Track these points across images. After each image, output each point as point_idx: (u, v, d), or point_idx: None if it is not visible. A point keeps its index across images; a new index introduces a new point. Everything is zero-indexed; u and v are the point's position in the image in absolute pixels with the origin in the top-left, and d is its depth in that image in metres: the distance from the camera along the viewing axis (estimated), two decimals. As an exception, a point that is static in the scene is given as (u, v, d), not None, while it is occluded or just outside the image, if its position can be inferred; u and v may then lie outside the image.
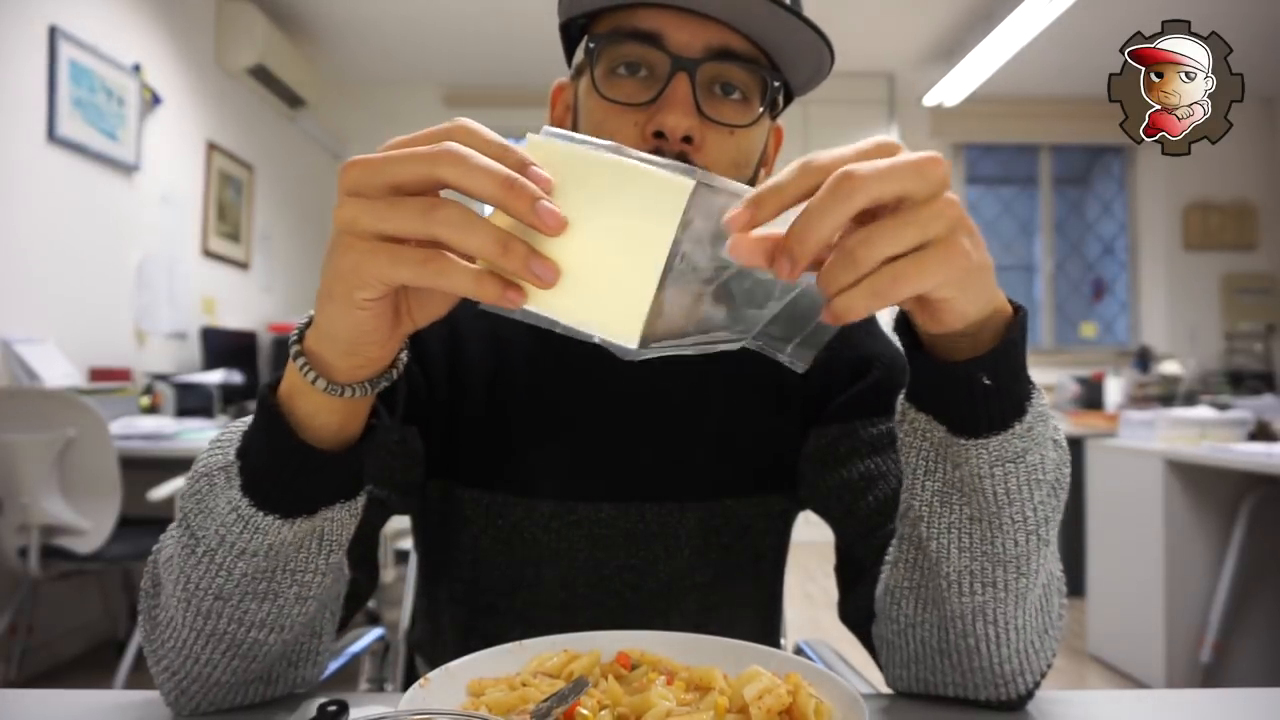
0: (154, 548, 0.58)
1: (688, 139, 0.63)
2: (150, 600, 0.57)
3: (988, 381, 0.48)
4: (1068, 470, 0.53)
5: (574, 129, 0.71)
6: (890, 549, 0.61)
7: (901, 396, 0.54)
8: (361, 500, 0.54)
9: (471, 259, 0.41)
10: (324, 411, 0.48)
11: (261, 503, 0.49)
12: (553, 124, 0.77)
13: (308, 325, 0.48)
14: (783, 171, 0.41)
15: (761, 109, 0.67)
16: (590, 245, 0.39)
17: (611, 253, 0.39)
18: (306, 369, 0.47)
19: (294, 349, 0.48)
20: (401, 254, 0.40)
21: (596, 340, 0.40)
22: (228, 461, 0.51)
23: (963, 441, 0.50)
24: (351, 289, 0.42)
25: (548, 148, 0.41)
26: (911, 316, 0.48)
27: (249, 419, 0.52)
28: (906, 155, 0.41)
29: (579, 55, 0.70)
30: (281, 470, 0.49)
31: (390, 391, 0.52)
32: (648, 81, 0.65)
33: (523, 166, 0.40)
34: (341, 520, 0.52)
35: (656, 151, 0.64)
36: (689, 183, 0.38)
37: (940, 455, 0.52)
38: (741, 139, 0.67)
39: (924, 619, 0.58)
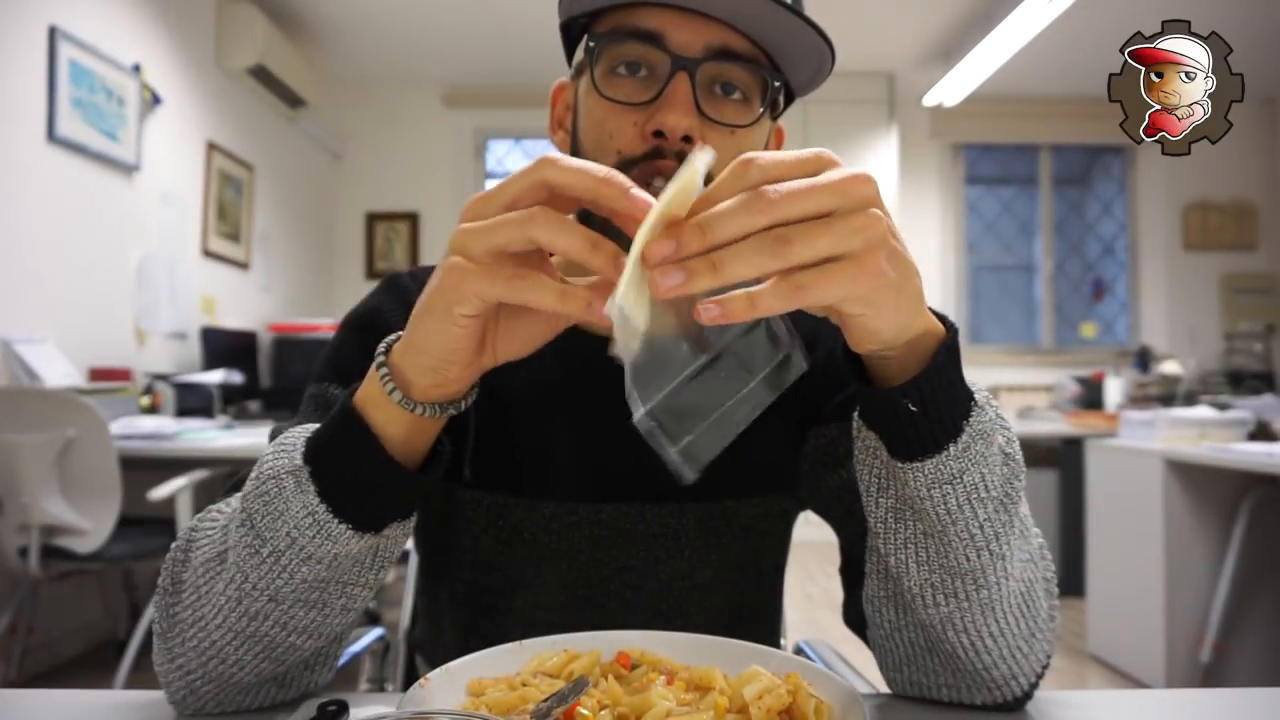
0: (174, 545, 0.58)
1: (688, 139, 0.63)
2: (169, 598, 0.57)
3: (913, 408, 0.48)
4: (1019, 483, 0.53)
5: (574, 128, 0.72)
6: (865, 558, 0.61)
7: (856, 414, 0.54)
8: (413, 521, 0.55)
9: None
10: (394, 424, 0.50)
11: (338, 510, 0.51)
12: (553, 123, 0.77)
13: (396, 340, 0.51)
14: (725, 174, 0.42)
15: (762, 109, 0.67)
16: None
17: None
18: (387, 379, 0.49)
19: (379, 358, 0.50)
20: (498, 271, 0.44)
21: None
22: (295, 465, 0.52)
23: (899, 465, 0.50)
24: (451, 304, 0.45)
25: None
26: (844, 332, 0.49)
27: (309, 426, 0.54)
28: (834, 173, 0.42)
29: (579, 54, 0.70)
30: (362, 478, 0.51)
31: (457, 435, 0.53)
32: (648, 81, 0.65)
33: (627, 185, 0.43)
34: (397, 539, 0.55)
35: (656, 151, 0.64)
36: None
37: (889, 474, 0.53)
38: (743, 139, 0.67)
39: (906, 622, 0.58)
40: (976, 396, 0.51)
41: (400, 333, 0.51)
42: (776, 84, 0.67)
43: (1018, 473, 0.53)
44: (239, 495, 0.56)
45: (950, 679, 0.58)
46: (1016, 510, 0.53)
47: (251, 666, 0.55)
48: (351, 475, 0.51)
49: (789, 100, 0.73)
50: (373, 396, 0.50)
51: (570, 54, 0.74)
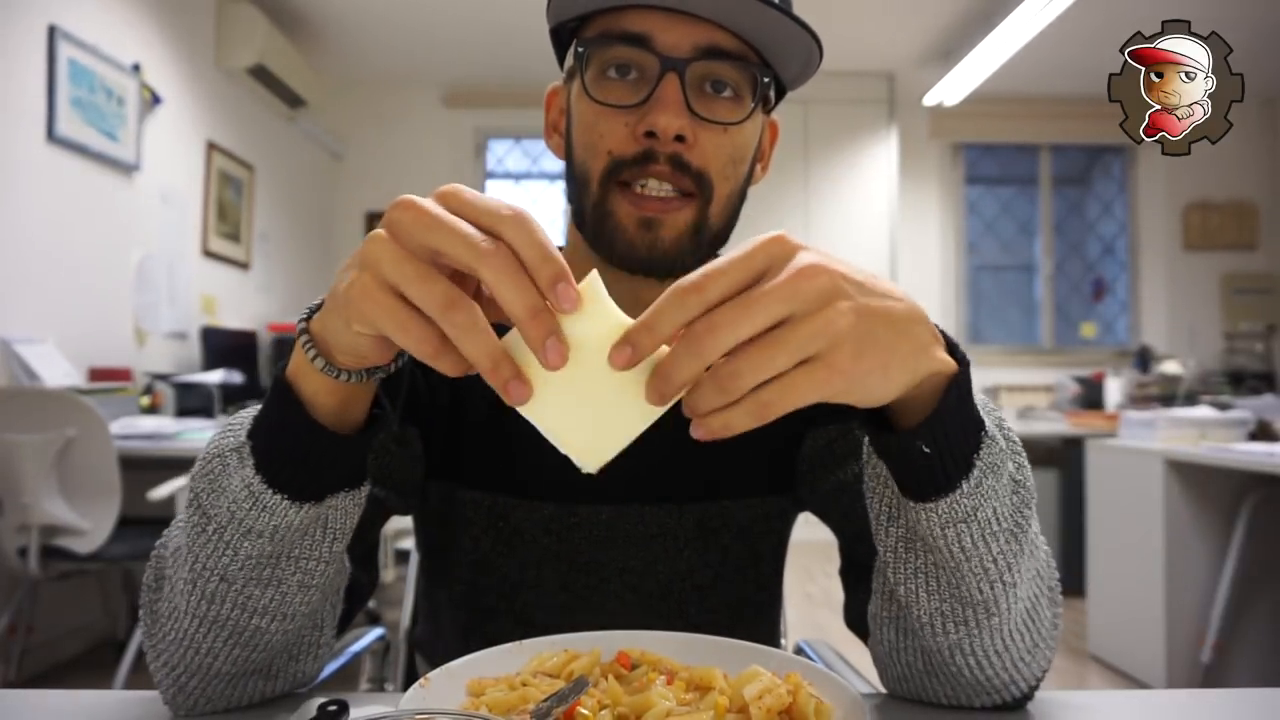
0: (158, 543, 0.59)
1: (680, 138, 0.63)
2: (152, 594, 0.57)
3: (926, 450, 0.47)
4: (1030, 510, 0.52)
5: (568, 132, 0.72)
6: (874, 578, 0.60)
7: (866, 440, 0.53)
8: (365, 491, 0.54)
9: None
10: (324, 393, 0.50)
11: (272, 480, 0.50)
12: (548, 126, 0.77)
13: (319, 308, 0.49)
14: (657, 303, 0.41)
15: (753, 105, 0.67)
16: (586, 384, 0.42)
17: (604, 398, 0.43)
18: (309, 346, 0.48)
19: (300, 326, 0.49)
20: (408, 325, 0.41)
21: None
22: (240, 443, 0.52)
23: (911, 504, 0.50)
24: (350, 319, 0.44)
25: (596, 296, 0.42)
26: None
27: (259, 406, 0.53)
28: (780, 277, 0.40)
29: (569, 59, 0.71)
30: (292, 448, 0.50)
31: (393, 387, 0.52)
32: (638, 83, 0.65)
33: (556, 280, 0.40)
34: (345, 509, 0.53)
35: (648, 152, 0.64)
36: (658, 411, 0.43)
37: (899, 505, 0.52)
38: (735, 135, 0.67)
39: (906, 645, 0.58)
40: (986, 426, 0.50)
41: (323, 297, 0.49)
42: (766, 80, 0.67)
43: (1028, 500, 0.52)
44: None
45: (950, 690, 0.58)
46: (1026, 535, 0.52)
47: (225, 654, 0.54)
48: (283, 445, 0.50)
49: (781, 94, 0.73)
50: (301, 366, 0.49)
51: (561, 59, 0.74)
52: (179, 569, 0.54)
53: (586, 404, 0.43)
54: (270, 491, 0.50)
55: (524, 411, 0.43)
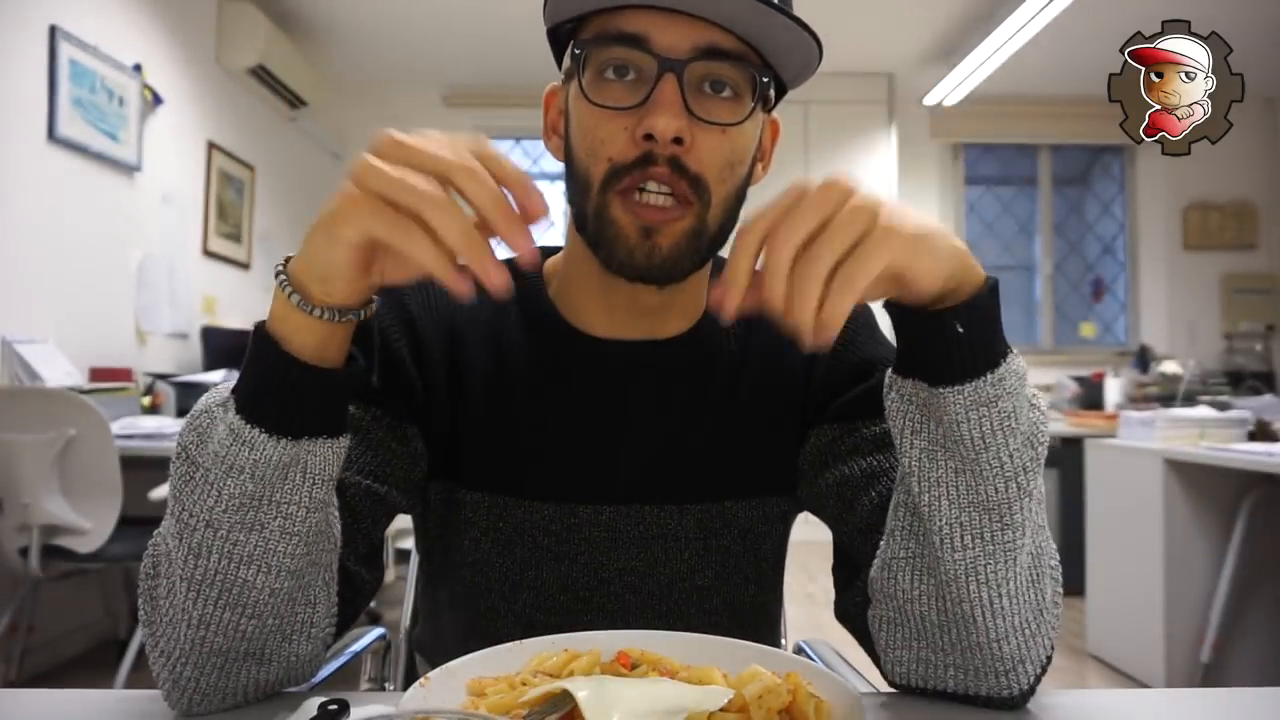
0: (155, 533, 0.59)
1: (678, 140, 0.63)
2: (150, 581, 0.58)
3: (960, 329, 0.53)
4: (1044, 431, 0.56)
5: (566, 133, 0.71)
6: (887, 518, 0.61)
7: (889, 371, 0.58)
8: (345, 442, 0.56)
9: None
10: (301, 331, 0.53)
11: (250, 416, 0.53)
12: (547, 127, 0.77)
13: (285, 264, 0.54)
14: (733, 247, 0.50)
15: (753, 105, 0.67)
16: None
17: None
18: (285, 282, 0.52)
19: (278, 266, 0.53)
20: (384, 212, 0.47)
21: None
22: (224, 398, 0.55)
23: (941, 390, 0.53)
24: (335, 227, 0.49)
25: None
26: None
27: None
28: (810, 191, 0.49)
29: (567, 60, 0.70)
30: (268, 381, 0.53)
31: (368, 353, 0.58)
32: (636, 84, 0.65)
33: (526, 190, 0.49)
34: (325, 457, 0.55)
35: (647, 156, 0.64)
36: None
37: (924, 413, 0.56)
38: (735, 136, 0.66)
39: (921, 591, 0.58)
40: (1012, 351, 0.55)
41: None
42: (765, 80, 0.66)
43: (1041, 422, 0.56)
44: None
45: (959, 659, 0.57)
46: (1040, 455, 0.56)
47: (216, 622, 0.54)
48: (260, 382, 0.53)
49: (781, 93, 0.73)
50: (279, 309, 0.53)
51: (560, 59, 0.74)
52: (169, 536, 0.56)
53: None
54: (249, 427, 0.52)
55: None
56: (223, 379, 3.32)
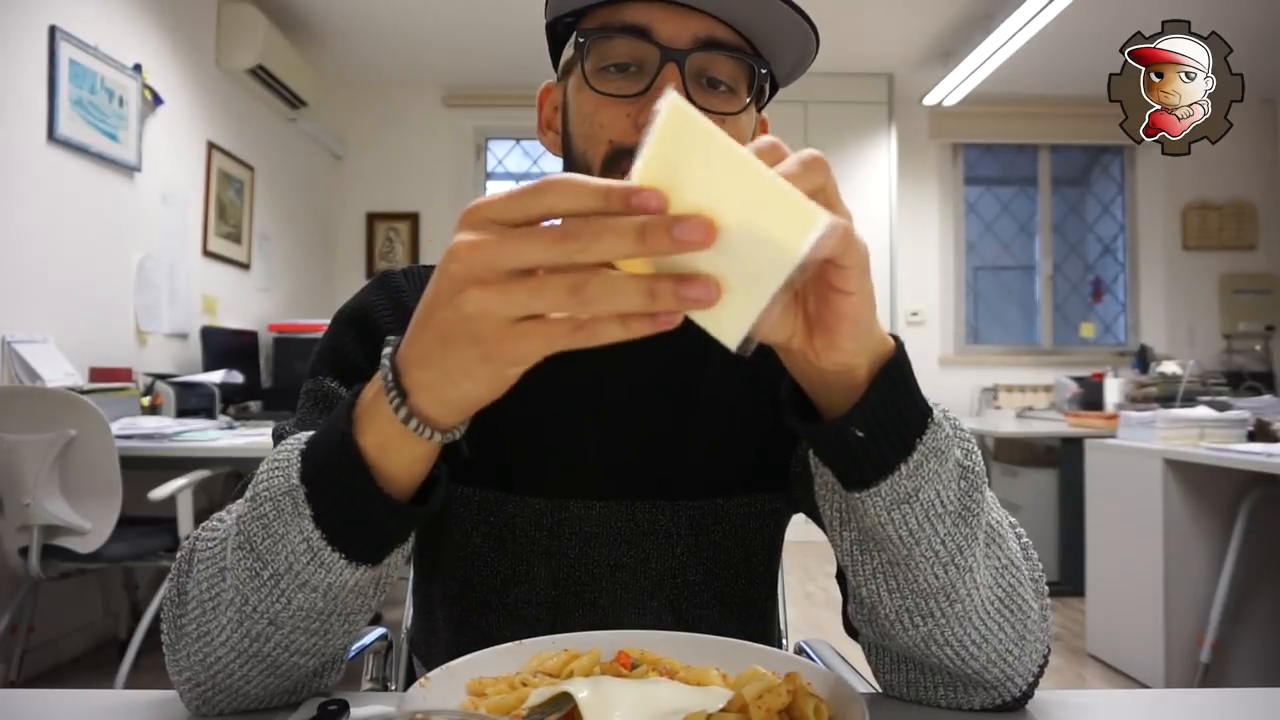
0: (178, 555, 0.58)
1: None
2: (175, 609, 0.56)
3: (860, 434, 0.48)
4: (980, 494, 0.52)
5: (564, 128, 0.72)
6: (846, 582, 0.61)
7: (810, 452, 0.54)
8: (411, 542, 0.54)
9: None
10: (405, 454, 0.48)
11: (333, 538, 0.49)
12: (542, 125, 0.77)
13: (398, 382, 0.46)
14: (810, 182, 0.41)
15: (749, 97, 0.68)
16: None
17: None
18: (399, 404, 0.45)
19: (395, 402, 0.46)
20: (554, 331, 0.39)
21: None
22: (291, 485, 0.50)
23: (856, 495, 0.50)
24: (505, 366, 0.42)
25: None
26: (785, 359, 0.49)
27: (302, 436, 0.52)
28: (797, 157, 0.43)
29: (568, 51, 0.72)
30: (358, 514, 0.49)
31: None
32: (638, 76, 0.67)
33: (627, 199, 0.37)
34: (397, 564, 0.53)
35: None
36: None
37: (848, 509, 0.53)
38: (731, 128, 0.68)
39: (888, 644, 0.58)
40: (934, 413, 0.50)
41: (397, 354, 0.46)
42: (763, 71, 0.68)
43: (977, 484, 0.52)
44: (240, 502, 0.55)
45: (946, 681, 0.58)
46: (979, 522, 0.53)
47: (259, 681, 0.55)
48: (347, 509, 0.49)
49: (773, 90, 0.75)
50: (382, 436, 0.47)
51: (555, 55, 0.75)
52: (219, 600, 0.53)
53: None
54: (329, 549, 0.49)
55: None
56: (222, 379, 3.32)
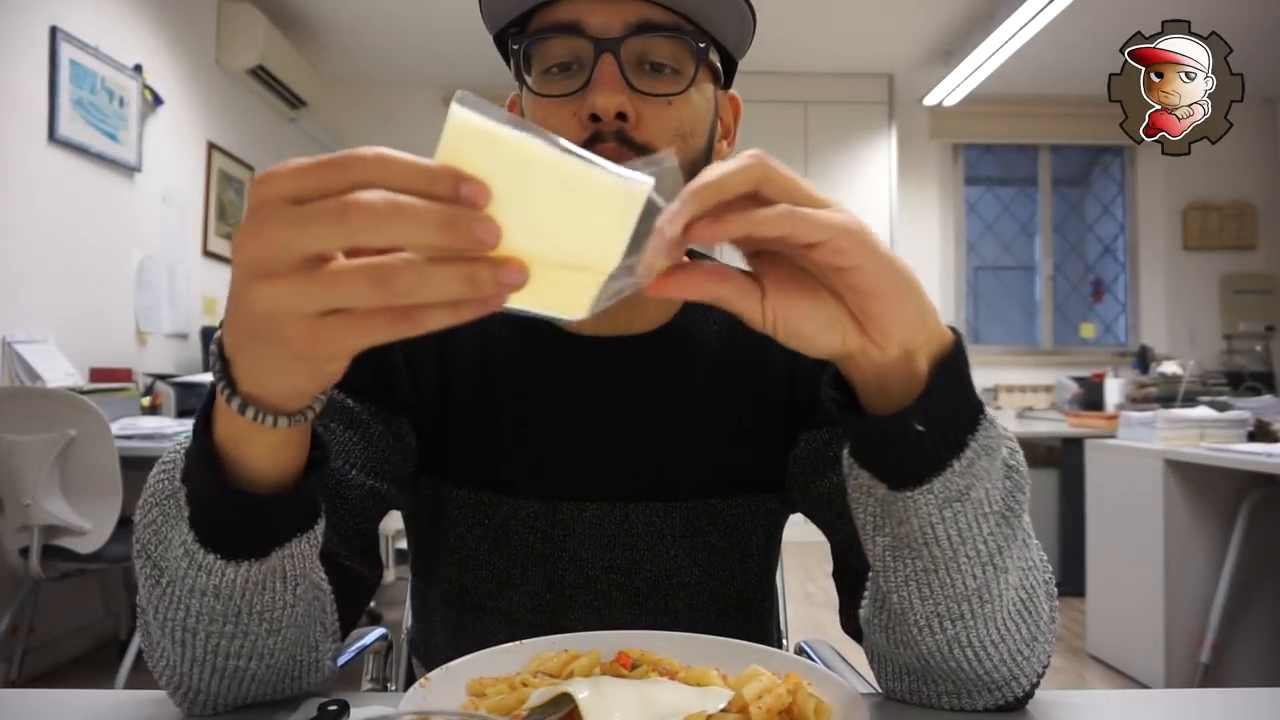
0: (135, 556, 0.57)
1: (622, 115, 0.64)
2: (140, 615, 0.56)
3: (920, 429, 0.46)
4: (1023, 495, 0.52)
5: None
6: (868, 584, 0.60)
7: (846, 451, 0.52)
8: (320, 527, 0.51)
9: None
10: (256, 444, 0.45)
11: (204, 539, 0.47)
12: None
13: (225, 371, 0.43)
14: (729, 166, 0.41)
15: (693, 74, 0.68)
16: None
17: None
18: (230, 395, 0.42)
19: (225, 393, 0.42)
20: (370, 323, 0.35)
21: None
22: (174, 488, 0.48)
23: (907, 494, 0.48)
24: (319, 363, 0.39)
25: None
26: (844, 366, 0.47)
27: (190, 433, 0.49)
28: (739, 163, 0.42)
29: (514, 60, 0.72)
30: (222, 513, 0.46)
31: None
32: (578, 73, 0.67)
33: (455, 186, 0.35)
34: (302, 553, 0.50)
35: (595, 135, 0.64)
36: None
37: (885, 512, 0.50)
38: (681, 108, 0.67)
39: (900, 652, 0.57)
40: (986, 410, 0.49)
41: (223, 341, 0.42)
42: (703, 45, 0.67)
43: (1020, 485, 0.51)
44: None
45: (950, 687, 0.58)
46: (1019, 523, 0.52)
47: (216, 685, 0.53)
48: (211, 505, 0.46)
49: (731, 66, 0.74)
50: (226, 430, 0.45)
51: (511, 65, 0.75)
52: (151, 614, 0.52)
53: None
54: (203, 550, 0.47)
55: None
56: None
